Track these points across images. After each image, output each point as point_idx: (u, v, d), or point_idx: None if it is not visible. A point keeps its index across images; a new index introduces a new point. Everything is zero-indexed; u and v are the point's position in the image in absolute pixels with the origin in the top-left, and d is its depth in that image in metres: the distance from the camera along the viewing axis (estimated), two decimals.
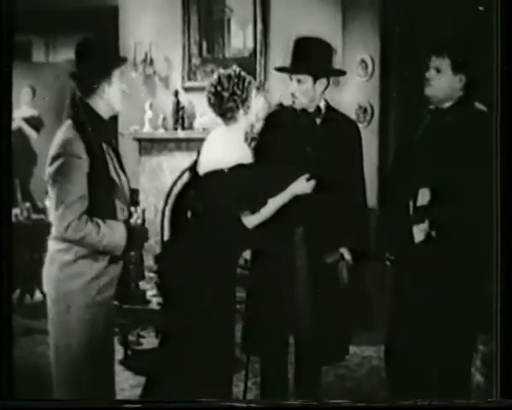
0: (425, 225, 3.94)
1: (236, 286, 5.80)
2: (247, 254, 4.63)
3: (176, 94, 8.25)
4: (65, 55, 8.63)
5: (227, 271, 3.99)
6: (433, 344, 4.02)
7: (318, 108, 4.12)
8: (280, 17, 7.92)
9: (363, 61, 7.76)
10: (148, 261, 5.31)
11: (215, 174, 3.92)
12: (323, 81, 4.08)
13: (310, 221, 4.04)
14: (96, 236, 3.49)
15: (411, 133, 4.17)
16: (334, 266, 4.04)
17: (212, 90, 3.99)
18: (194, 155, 4.13)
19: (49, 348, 3.65)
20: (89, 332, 3.58)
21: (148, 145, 8.36)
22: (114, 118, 3.82)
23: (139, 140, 8.34)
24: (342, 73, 4.43)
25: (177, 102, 8.25)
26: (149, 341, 5.94)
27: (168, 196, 4.23)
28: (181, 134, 8.19)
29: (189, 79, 8.24)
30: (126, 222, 3.69)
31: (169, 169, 7.99)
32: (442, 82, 3.98)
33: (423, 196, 3.95)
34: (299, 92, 4.06)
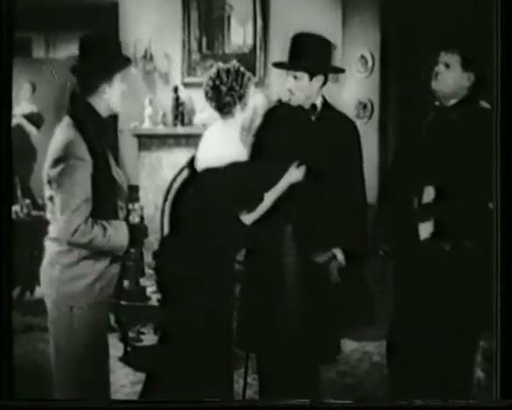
0: (430, 223, 3.93)
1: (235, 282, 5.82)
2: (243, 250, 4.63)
3: (175, 90, 8.25)
4: (65, 51, 8.63)
5: (225, 267, 3.99)
6: (434, 341, 4.02)
7: (314, 105, 4.10)
8: (279, 14, 7.93)
9: (362, 56, 7.77)
10: (148, 258, 5.31)
11: (211, 171, 3.92)
12: (320, 78, 4.06)
13: (302, 218, 4.02)
14: (102, 238, 3.47)
15: (415, 130, 4.15)
16: (325, 265, 4.02)
17: (211, 83, 3.98)
18: (193, 151, 4.12)
19: (49, 346, 3.65)
20: (90, 332, 3.57)
21: (148, 141, 8.36)
22: (113, 117, 3.80)
23: (139, 136, 8.34)
24: (340, 70, 4.41)
25: (177, 98, 8.25)
26: (150, 337, 5.94)
27: (168, 192, 4.22)
28: (180, 130, 8.19)
29: (189, 75, 8.24)
30: (126, 220, 3.68)
31: (168, 165, 8.00)
32: (450, 77, 3.97)
33: (428, 194, 3.94)
34: (296, 88, 4.05)
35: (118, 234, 3.54)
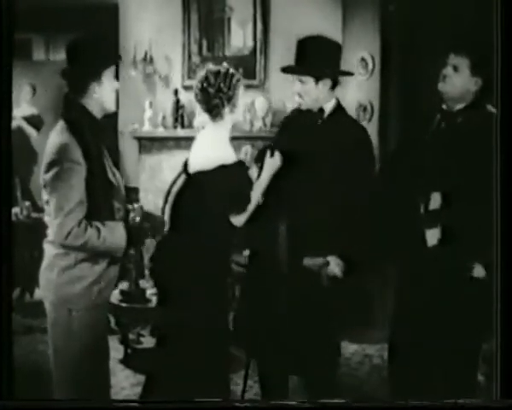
0: (438, 230, 3.91)
1: (235, 285, 5.82)
2: (246, 253, 4.62)
3: (176, 93, 8.26)
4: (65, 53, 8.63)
5: (219, 269, 3.99)
6: (436, 344, 4.01)
7: (321, 109, 4.09)
8: (280, 16, 7.93)
9: (363, 59, 7.77)
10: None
11: (200, 175, 3.93)
12: (327, 81, 4.03)
13: (301, 222, 4.00)
14: (96, 240, 3.45)
15: (420, 133, 4.12)
16: (315, 272, 3.99)
17: (199, 85, 4.00)
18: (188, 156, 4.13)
19: (48, 347, 3.65)
20: (89, 334, 3.56)
21: (148, 144, 8.36)
22: (109, 117, 3.79)
23: (139, 139, 8.34)
24: (347, 73, 4.37)
25: (177, 101, 8.25)
26: (149, 339, 5.94)
27: (168, 194, 4.22)
28: (180, 133, 8.19)
29: (189, 77, 8.23)
30: (125, 221, 3.67)
31: (169, 168, 7.99)
32: (458, 81, 3.94)
33: (435, 200, 3.92)
34: (303, 92, 4.04)
35: (113, 235, 3.53)
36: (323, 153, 3.98)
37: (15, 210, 6.78)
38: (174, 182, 4.15)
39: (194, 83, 4.06)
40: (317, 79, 4.01)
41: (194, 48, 8.28)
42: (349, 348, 5.86)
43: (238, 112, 4.05)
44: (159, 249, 4.08)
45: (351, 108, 7.16)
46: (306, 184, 4.00)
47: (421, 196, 3.97)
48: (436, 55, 4.12)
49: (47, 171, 3.45)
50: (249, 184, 3.99)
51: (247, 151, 4.21)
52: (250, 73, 7.88)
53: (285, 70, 4.23)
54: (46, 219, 3.59)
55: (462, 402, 3.59)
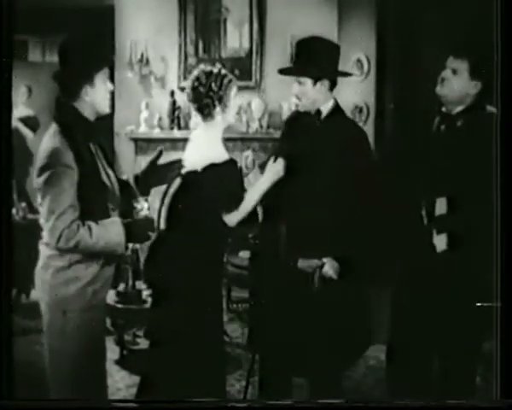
0: (445, 235, 3.91)
1: (232, 286, 5.81)
2: (246, 254, 4.62)
3: (172, 94, 8.26)
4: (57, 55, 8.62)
5: (213, 270, 3.99)
6: (435, 344, 4.02)
7: (318, 110, 4.08)
8: (276, 17, 7.93)
9: (358, 60, 7.78)
10: None
11: (192, 175, 3.94)
12: (325, 82, 4.02)
13: (295, 222, 4.00)
14: (89, 239, 3.44)
15: (419, 136, 4.12)
16: (310, 273, 3.99)
17: (191, 85, 4.02)
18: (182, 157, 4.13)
19: (44, 348, 3.65)
20: (84, 335, 3.56)
21: (144, 145, 8.36)
22: (104, 118, 3.78)
23: (135, 140, 8.35)
24: (345, 74, 4.35)
25: (173, 102, 8.26)
26: (145, 341, 5.94)
27: (164, 196, 4.21)
28: (177, 134, 8.19)
29: (185, 78, 8.22)
30: (126, 217, 3.66)
31: None
32: (457, 84, 3.93)
33: (441, 205, 3.92)
34: (301, 94, 4.03)
35: (109, 232, 3.50)
36: (322, 155, 3.98)
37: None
38: (170, 183, 4.15)
39: (187, 83, 4.08)
40: (315, 80, 4.00)
41: (191, 49, 8.28)
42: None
43: (230, 112, 4.05)
44: (154, 250, 4.08)
45: (346, 110, 7.16)
46: (305, 186, 4.00)
47: (425, 200, 3.97)
48: (432, 57, 4.12)
49: (39, 175, 3.45)
50: (241, 182, 4.00)
51: (248, 156, 4.21)
52: (246, 75, 7.88)
53: (283, 72, 4.23)
54: (41, 221, 3.59)
55: (462, 402, 3.60)
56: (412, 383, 4.11)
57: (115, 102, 3.74)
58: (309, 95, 4.02)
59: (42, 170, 3.44)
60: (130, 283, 5.63)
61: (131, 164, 8.24)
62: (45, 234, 3.54)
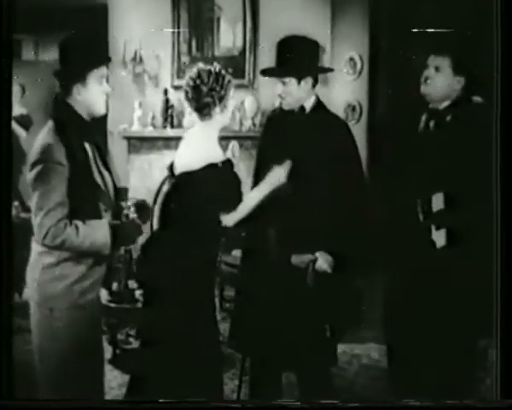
0: (444, 231, 3.92)
1: (225, 284, 5.81)
2: (237, 253, 4.62)
3: (165, 92, 8.26)
4: (54, 53, 8.61)
5: (208, 269, 3.99)
6: (434, 344, 4.02)
7: (302, 107, 4.10)
8: (269, 15, 7.94)
9: (351, 59, 7.79)
10: None
11: (188, 174, 3.92)
12: (308, 80, 4.04)
13: (287, 220, 4.00)
14: (75, 238, 3.44)
15: (410, 134, 4.13)
16: (303, 269, 3.99)
17: (191, 83, 3.98)
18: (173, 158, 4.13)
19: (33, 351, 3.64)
20: (72, 335, 3.55)
21: (138, 143, 8.36)
22: (100, 118, 3.78)
23: (128, 138, 8.34)
24: (328, 70, 4.38)
25: (167, 101, 8.26)
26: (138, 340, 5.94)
27: (157, 195, 4.21)
28: (170, 132, 8.19)
29: (179, 77, 8.23)
30: (116, 218, 3.66)
31: (158, 168, 7.99)
32: (440, 81, 3.97)
33: (438, 201, 3.93)
34: (285, 93, 4.04)
35: (95, 233, 3.50)
36: (308, 150, 3.99)
37: None
38: (163, 182, 4.15)
39: (185, 80, 4.03)
40: (299, 79, 4.02)
41: (184, 47, 8.28)
42: (337, 348, 5.86)
43: (227, 113, 4.05)
44: (146, 250, 4.07)
45: (339, 108, 7.20)
46: (294, 183, 4.00)
47: (420, 197, 3.98)
48: (420, 56, 4.14)
49: (30, 170, 3.46)
50: (238, 182, 3.99)
51: (234, 146, 4.18)
52: (239, 73, 7.89)
53: (266, 73, 4.26)
54: (32, 217, 3.60)
55: (462, 402, 3.60)
56: (411, 383, 4.12)
57: (108, 100, 3.72)
58: (294, 94, 4.04)
59: (33, 165, 3.45)
60: (123, 282, 5.62)
61: (124, 163, 8.24)
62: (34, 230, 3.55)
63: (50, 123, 3.56)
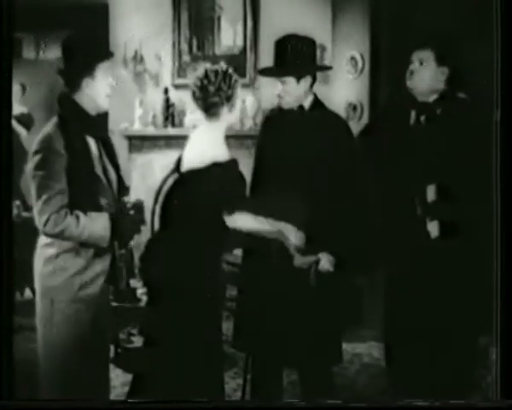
0: (437, 222, 3.93)
1: (227, 284, 5.80)
2: (238, 252, 4.61)
3: (166, 91, 8.25)
4: (55, 52, 8.61)
5: (211, 268, 3.99)
6: (432, 344, 4.02)
7: (301, 106, 4.10)
8: (270, 14, 7.93)
9: (352, 58, 7.78)
10: None
11: (192, 173, 3.92)
12: (307, 79, 4.05)
13: (286, 218, 4.00)
14: (75, 228, 3.48)
15: (403, 129, 4.15)
16: (306, 270, 3.99)
17: (199, 83, 3.96)
18: (182, 154, 4.12)
19: (37, 346, 3.65)
20: (73, 328, 3.58)
21: (138, 143, 8.35)
22: (104, 114, 3.82)
23: (129, 137, 8.33)
24: (326, 68, 4.40)
25: (167, 100, 8.25)
26: (140, 339, 5.93)
27: (158, 193, 4.21)
28: (171, 131, 8.18)
29: (179, 76, 8.23)
30: (114, 213, 3.67)
31: (159, 166, 7.98)
32: (425, 74, 4.01)
33: (431, 193, 3.94)
34: (284, 93, 4.04)
35: (95, 224, 3.54)
36: (308, 148, 3.99)
37: None
38: (164, 181, 4.14)
39: (192, 80, 4.00)
40: (299, 78, 4.02)
41: (185, 46, 8.27)
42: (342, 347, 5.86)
43: (235, 112, 4.04)
44: (149, 248, 4.07)
45: (340, 107, 7.19)
46: (294, 181, 4.00)
47: (417, 190, 3.99)
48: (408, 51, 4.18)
49: (30, 160, 3.52)
50: (243, 181, 3.98)
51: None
52: (240, 72, 7.83)
53: (265, 73, 4.28)
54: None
55: (462, 402, 3.60)
56: (409, 382, 4.12)
57: (110, 98, 3.75)
58: (293, 93, 4.05)
59: (33, 155, 3.51)
60: (125, 281, 5.62)
61: (125, 162, 8.23)
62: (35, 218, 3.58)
63: (55, 119, 3.62)
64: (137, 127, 8.26)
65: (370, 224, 4.04)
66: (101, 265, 3.69)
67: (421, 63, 4.01)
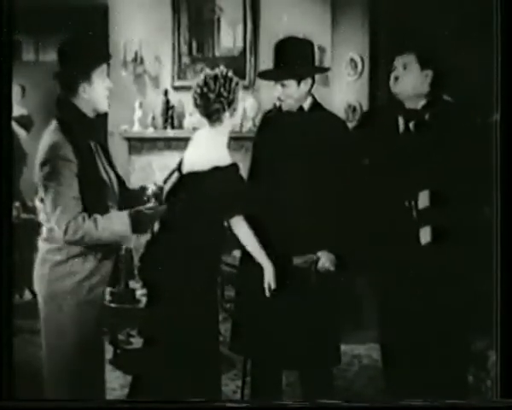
0: (429, 228, 3.93)
1: (226, 285, 5.79)
2: (237, 254, 4.61)
3: (165, 93, 8.25)
4: (55, 54, 8.61)
5: (210, 270, 3.98)
6: (430, 344, 4.02)
7: (301, 107, 4.10)
8: (269, 16, 7.94)
9: (352, 59, 7.79)
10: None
11: (193, 175, 3.91)
12: (308, 81, 4.05)
13: (284, 218, 4.00)
14: (95, 231, 3.47)
15: (394, 134, 4.15)
16: (305, 269, 3.99)
17: (199, 91, 3.94)
18: (183, 155, 4.12)
19: (39, 349, 3.65)
20: (80, 331, 3.58)
21: (138, 144, 8.36)
22: (103, 116, 3.80)
23: (129, 139, 8.33)
24: (325, 69, 4.39)
25: (167, 102, 8.25)
26: (139, 340, 5.93)
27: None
28: (170, 133, 8.19)
29: (179, 78, 8.24)
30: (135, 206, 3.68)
31: (159, 168, 7.99)
32: (409, 78, 4.00)
33: (424, 198, 3.95)
34: (285, 96, 4.04)
35: (114, 223, 3.54)
36: (307, 149, 4.00)
37: None
38: (165, 182, 4.14)
39: (192, 88, 4.00)
40: (299, 81, 4.02)
41: (184, 48, 8.28)
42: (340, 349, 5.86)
43: (237, 116, 4.03)
44: (148, 250, 4.07)
45: (340, 109, 7.19)
46: (293, 181, 4.01)
47: (409, 196, 3.99)
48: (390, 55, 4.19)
49: (40, 170, 3.48)
50: (243, 185, 3.98)
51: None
52: (240, 74, 7.83)
53: (264, 76, 4.28)
54: (41, 217, 3.63)
55: (462, 402, 3.60)
56: (407, 383, 4.12)
57: (109, 100, 3.74)
58: (294, 95, 4.04)
59: (42, 165, 3.48)
60: (124, 282, 5.62)
61: (125, 164, 8.23)
62: (45, 229, 3.58)
63: (54, 123, 3.58)
64: (137, 129, 8.26)
65: (369, 225, 4.05)
66: (108, 266, 3.70)
67: (405, 68, 4.01)
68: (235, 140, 7.47)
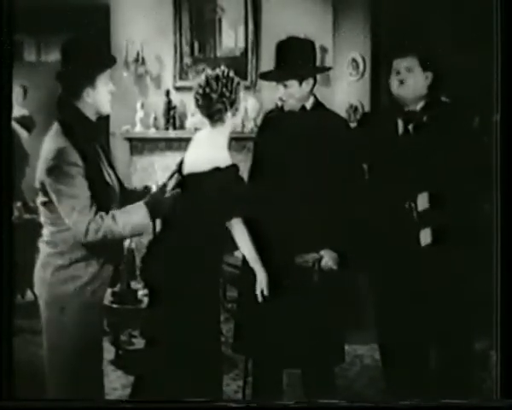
0: (429, 229, 3.94)
1: (227, 285, 5.78)
2: (239, 254, 4.61)
3: (167, 93, 8.26)
4: (57, 55, 8.61)
5: (211, 270, 3.98)
6: (430, 344, 4.03)
7: (303, 106, 4.10)
8: (271, 17, 7.94)
9: (354, 60, 7.79)
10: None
11: (194, 176, 3.91)
12: (310, 81, 4.05)
13: (286, 217, 4.01)
14: (116, 228, 3.47)
15: (393, 136, 4.15)
16: (308, 268, 4.00)
17: (200, 91, 3.93)
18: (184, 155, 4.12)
19: (39, 349, 3.65)
20: (82, 333, 3.57)
21: (140, 145, 8.36)
22: (104, 118, 3.80)
23: (130, 140, 8.34)
24: (327, 69, 4.39)
25: (169, 102, 8.25)
26: (141, 341, 5.94)
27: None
28: (172, 134, 8.19)
29: (181, 78, 8.25)
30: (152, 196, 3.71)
31: (160, 169, 8.00)
32: (413, 81, 4.01)
33: (423, 200, 3.95)
34: (287, 96, 4.04)
35: (133, 217, 3.54)
36: (309, 148, 4.00)
37: None
38: (166, 183, 4.13)
39: (194, 88, 3.99)
40: (301, 81, 4.02)
41: (186, 49, 8.28)
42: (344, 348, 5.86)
43: (239, 116, 4.03)
44: (150, 250, 4.07)
45: (341, 109, 7.19)
46: (295, 180, 4.01)
47: (409, 198, 3.99)
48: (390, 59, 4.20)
49: (48, 176, 3.46)
50: (242, 186, 3.98)
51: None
52: (241, 74, 7.83)
53: (266, 77, 4.29)
54: (42, 219, 3.62)
55: (462, 402, 3.60)
56: (408, 383, 4.12)
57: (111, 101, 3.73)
58: (296, 95, 4.04)
59: (51, 171, 3.46)
60: (126, 283, 5.62)
61: (127, 164, 8.24)
62: (46, 232, 3.58)
63: (56, 125, 3.56)
64: (139, 129, 8.27)
65: (370, 225, 4.05)
66: (110, 269, 3.70)
67: (409, 71, 4.01)
68: (237, 141, 7.50)
